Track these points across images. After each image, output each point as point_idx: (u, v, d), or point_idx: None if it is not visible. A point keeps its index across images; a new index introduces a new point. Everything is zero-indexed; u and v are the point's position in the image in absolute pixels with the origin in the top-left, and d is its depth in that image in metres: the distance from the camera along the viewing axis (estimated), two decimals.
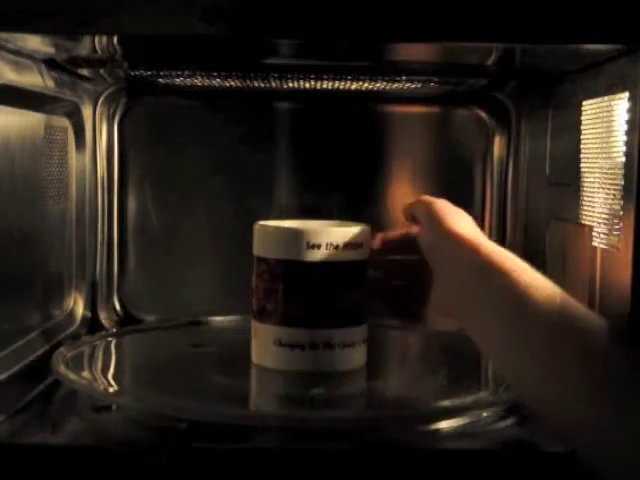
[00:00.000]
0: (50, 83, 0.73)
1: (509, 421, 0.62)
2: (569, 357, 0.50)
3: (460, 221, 0.61)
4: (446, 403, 0.64)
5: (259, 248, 0.69)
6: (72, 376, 0.65)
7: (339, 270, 0.67)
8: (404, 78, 0.79)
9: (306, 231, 0.67)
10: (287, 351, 0.67)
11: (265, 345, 0.69)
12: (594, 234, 0.63)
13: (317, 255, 0.66)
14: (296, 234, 0.67)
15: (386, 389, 0.69)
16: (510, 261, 0.55)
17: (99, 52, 0.66)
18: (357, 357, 0.69)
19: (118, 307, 0.92)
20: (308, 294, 0.67)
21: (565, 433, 0.51)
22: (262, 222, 0.70)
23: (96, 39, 0.61)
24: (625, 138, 0.58)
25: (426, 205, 0.63)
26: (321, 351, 0.67)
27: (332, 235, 0.67)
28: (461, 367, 0.73)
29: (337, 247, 0.67)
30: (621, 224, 0.58)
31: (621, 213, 0.58)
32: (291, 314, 0.67)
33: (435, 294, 0.61)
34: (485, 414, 0.63)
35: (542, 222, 0.79)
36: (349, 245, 0.67)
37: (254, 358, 0.70)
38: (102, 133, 0.89)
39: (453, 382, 0.69)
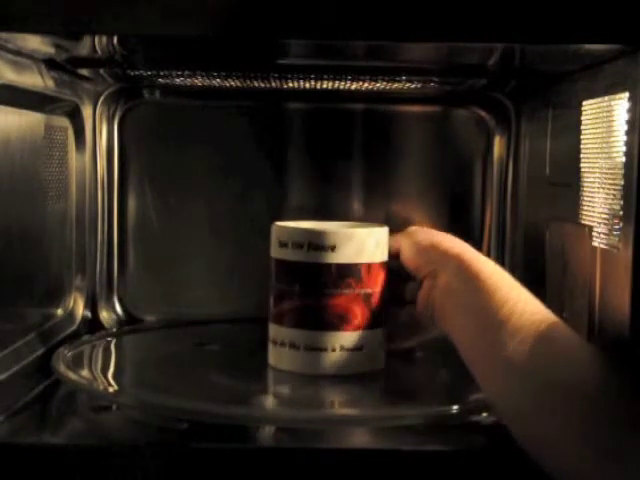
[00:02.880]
0: (50, 83, 0.73)
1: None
2: (553, 392, 0.51)
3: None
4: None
5: (276, 249, 0.69)
6: (72, 376, 0.65)
7: (357, 272, 0.66)
8: (404, 78, 0.79)
9: (323, 232, 0.66)
10: (304, 354, 0.67)
11: (282, 348, 0.68)
12: (594, 234, 0.63)
13: (335, 257, 0.66)
14: (313, 236, 0.66)
15: (399, 391, 0.68)
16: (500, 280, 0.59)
17: (99, 52, 0.66)
18: (376, 359, 0.69)
19: (118, 307, 0.91)
20: (326, 296, 0.66)
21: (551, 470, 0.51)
22: (280, 223, 0.70)
23: (96, 39, 0.61)
24: (625, 138, 0.58)
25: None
26: (338, 354, 0.67)
27: (351, 237, 0.66)
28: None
29: (355, 249, 0.66)
30: (621, 224, 0.58)
31: (621, 213, 0.58)
32: (308, 316, 0.67)
33: (422, 297, 0.65)
34: None
35: (542, 222, 0.79)
36: (367, 247, 0.67)
37: (271, 360, 0.70)
38: (102, 133, 0.89)
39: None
